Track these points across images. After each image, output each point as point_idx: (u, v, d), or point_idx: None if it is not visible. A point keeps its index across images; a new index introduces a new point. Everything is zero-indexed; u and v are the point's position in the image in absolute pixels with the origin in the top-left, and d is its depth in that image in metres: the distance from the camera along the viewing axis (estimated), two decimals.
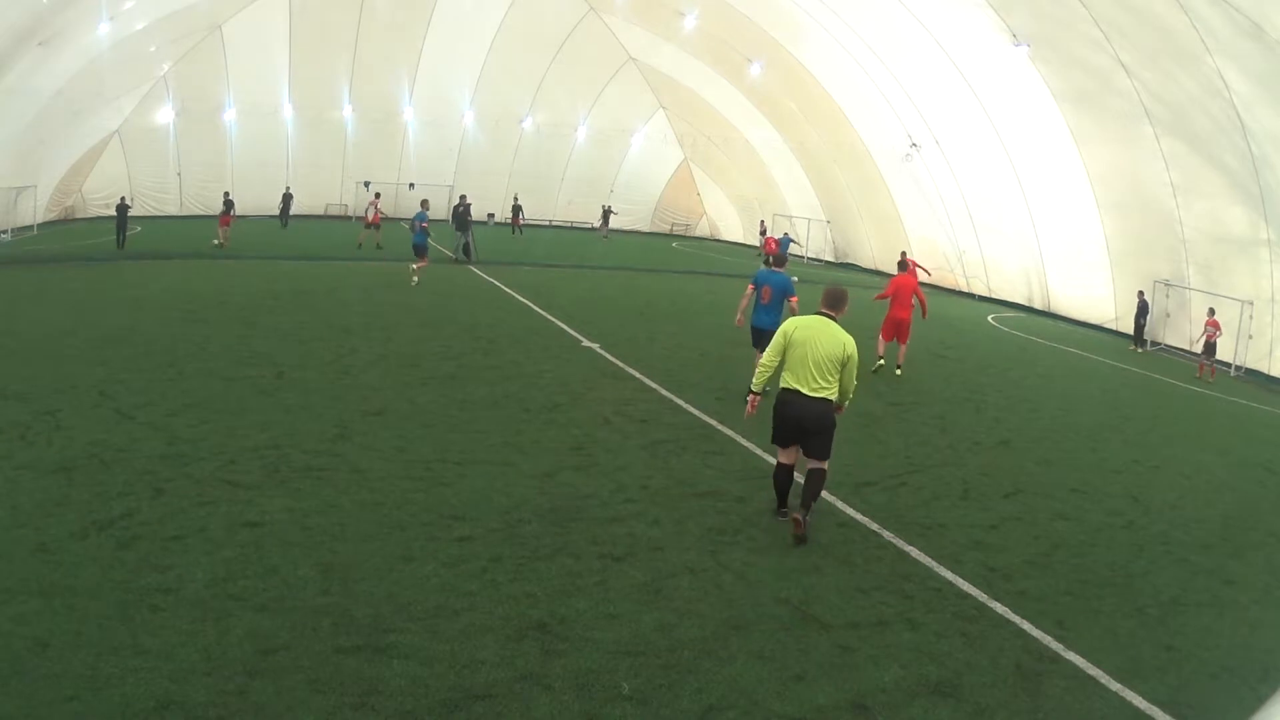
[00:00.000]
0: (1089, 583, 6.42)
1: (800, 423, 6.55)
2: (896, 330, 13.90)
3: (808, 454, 6.64)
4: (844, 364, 6.56)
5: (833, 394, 6.56)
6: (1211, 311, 19.31)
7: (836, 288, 6.98)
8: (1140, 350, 21.46)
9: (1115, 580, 6.54)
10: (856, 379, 6.76)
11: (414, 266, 19.48)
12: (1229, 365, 19.73)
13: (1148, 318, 21.62)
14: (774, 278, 10.77)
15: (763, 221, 39.87)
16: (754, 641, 5.06)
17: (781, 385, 6.68)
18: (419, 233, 20.16)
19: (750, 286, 10.96)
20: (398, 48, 35.52)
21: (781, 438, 6.72)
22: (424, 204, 21.53)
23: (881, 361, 13.91)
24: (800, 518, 6.53)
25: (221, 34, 32.02)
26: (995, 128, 24.50)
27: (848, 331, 6.67)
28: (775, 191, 39.15)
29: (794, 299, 10.52)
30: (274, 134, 36.61)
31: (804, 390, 6.51)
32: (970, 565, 6.49)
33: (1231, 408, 15.27)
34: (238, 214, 27.09)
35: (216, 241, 25.46)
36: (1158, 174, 20.07)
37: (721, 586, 5.75)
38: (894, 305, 13.88)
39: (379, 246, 27.34)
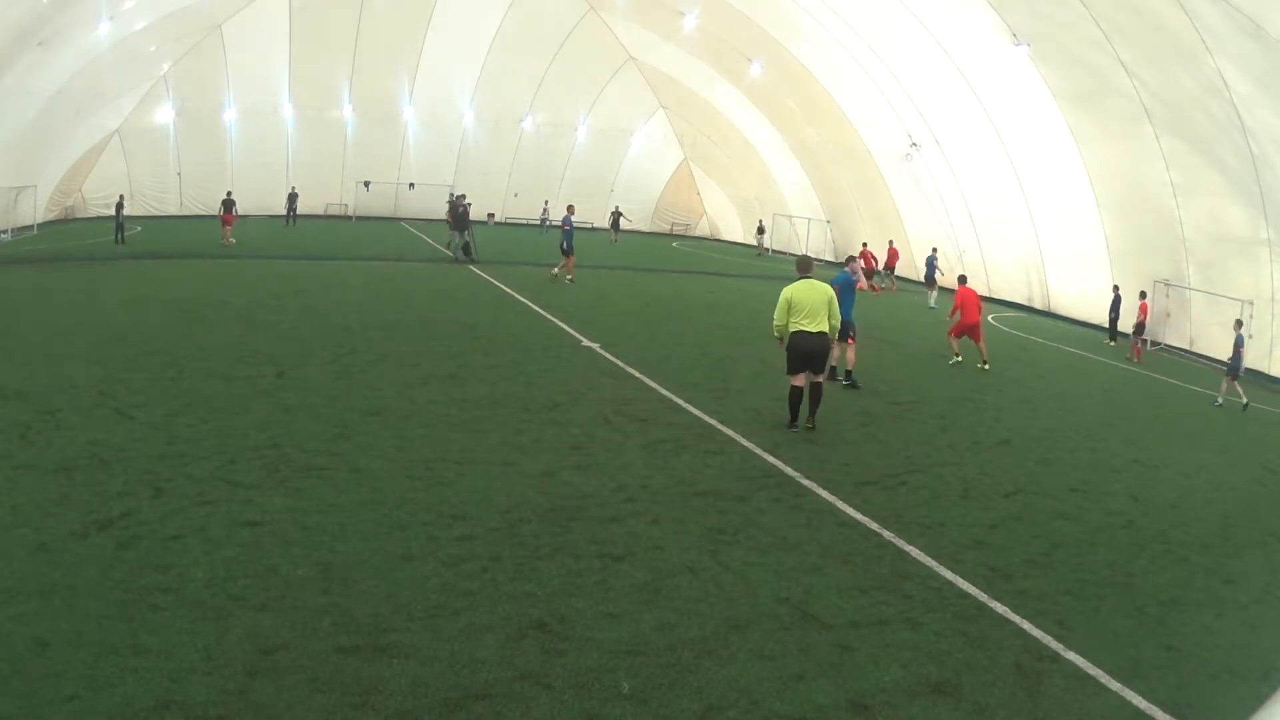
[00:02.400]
0: (1089, 582, 6.42)
1: (810, 350, 9.47)
2: (969, 332, 15.71)
3: (815, 371, 9.68)
4: (828, 303, 9.58)
5: (825, 327, 9.54)
6: (1143, 294, 20.52)
7: (805, 258, 10.45)
8: (1114, 344, 21.60)
9: (1115, 580, 6.53)
10: (838, 317, 9.84)
11: (562, 265, 22.13)
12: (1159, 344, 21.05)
13: (1120, 312, 21.96)
14: (839, 277, 12.42)
15: (761, 221, 39.88)
16: (754, 641, 5.06)
17: (792, 330, 9.52)
18: (565, 234, 22.21)
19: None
20: (398, 47, 35.54)
21: (795, 366, 9.60)
22: (570, 209, 23.42)
23: (959, 358, 15.68)
24: (810, 425, 9.85)
25: (221, 34, 32.03)
26: (995, 127, 24.48)
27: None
28: (775, 191, 39.14)
29: (859, 285, 12.86)
30: (274, 134, 36.63)
31: (810, 329, 9.45)
32: (970, 565, 6.49)
33: (1231, 407, 15.26)
34: (239, 214, 27.25)
35: (232, 240, 25.99)
36: (1158, 173, 20.05)
37: (721, 586, 5.75)
38: (965, 313, 15.72)
39: (449, 246, 27.85)
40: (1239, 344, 15.82)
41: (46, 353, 10.82)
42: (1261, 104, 16.46)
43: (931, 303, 25.54)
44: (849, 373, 12.62)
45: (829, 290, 9.69)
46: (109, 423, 8.16)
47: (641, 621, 5.18)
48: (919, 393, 12.79)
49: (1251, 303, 18.90)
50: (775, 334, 9.84)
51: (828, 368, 10.75)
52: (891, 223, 31.96)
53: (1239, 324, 16.68)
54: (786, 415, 9.91)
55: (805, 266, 10.13)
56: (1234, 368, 15.69)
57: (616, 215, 39.45)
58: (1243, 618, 6.15)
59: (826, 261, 36.88)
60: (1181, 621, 5.94)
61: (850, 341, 12.44)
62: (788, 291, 9.63)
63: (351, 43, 34.78)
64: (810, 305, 9.50)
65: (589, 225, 42.03)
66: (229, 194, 28.52)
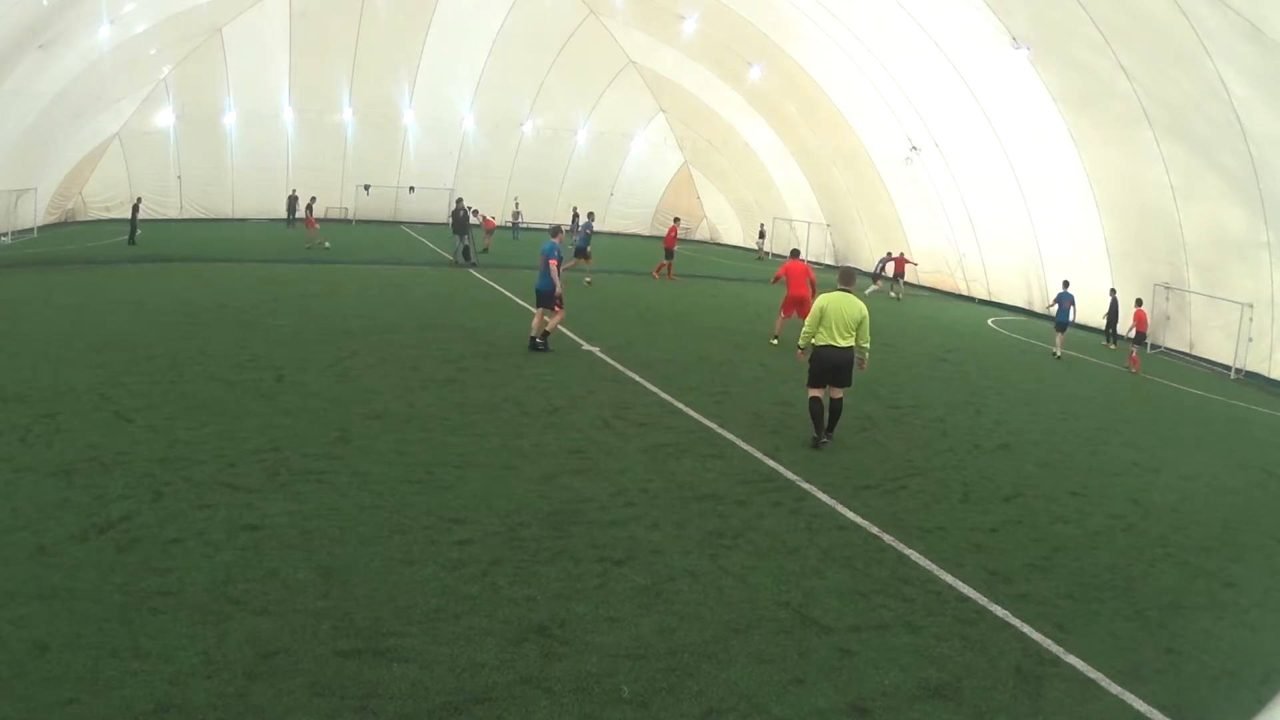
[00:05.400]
0: (1089, 586, 6.42)
1: (835, 363, 9.19)
2: (798, 308, 15.58)
3: (836, 385, 9.35)
4: (860, 322, 9.22)
5: (853, 342, 9.22)
6: (1139, 302, 20.50)
7: (848, 269, 10.07)
8: (1114, 346, 21.74)
9: (1115, 583, 6.53)
10: (870, 338, 9.42)
11: (579, 267, 23.07)
12: (1159, 347, 21.50)
13: (1118, 314, 22.05)
14: (543, 246, 13.56)
15: (762, 225, 39.90)
16: (754, 645, 5.06)
17: (818, 342, 9.23)
18: (582, 238, 23.67)
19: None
20: (398, 51, 35.57)
21: (817, 379, 9.34)
22: (590, 215, 25.36)
23: (776, 340, 15.81)
24: (829, 438, 9.48)
25: (222, 37, 32.05)
26: (995, 130, 24.50)
27: None
28: (775, 194, 39.16)
29: (553, 262, 13.25)
30: (274, 137, 36.65)
31: (837, 343, 9.16)
32: (970, 568, 6.49)
33: (1231, 410, 15.26)
34: (241, 218, 27.66)
35: (309, 244, 27.23)
36: (1157, 176, 20.06)
37: (721, 590, 5.75)
38: (789, 285, 15.95)
39: (485, 250, 28.78)
40: (1065, 300, 19.06)
41: (47, 356, 10.82)
42: (1261, 107, 16.48)
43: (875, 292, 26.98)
44: (545, 335, 13.37)
45: (863, 307, 9.29)
46: (109, 426, 8.16)
47: (641, 625, 5.18)
48: (919, 397, 12.79)
49: (1251, 305, 18.92)
50: (799, 343, 9.54)
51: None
52: (891, 226, 31.97)
53: (1065, 284, 19.89)
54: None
55: (847, 279, 9.67)
56: (1061, 323, 18.98)
57: (576, 217, 37.53)
58: (1243, 621, 6.14)
59: (827, 265, 36.99)
60: (1182, 625, 5.94)
61: (557, 310, 13.29)
62: (822, 300, 9.34)
63: (352, 46, 34.81)
64: (842, 319, 9.14)
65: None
66: (313, 198, 31.08)
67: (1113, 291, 22.06)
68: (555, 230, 14.11)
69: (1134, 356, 18.93)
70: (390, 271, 22.80)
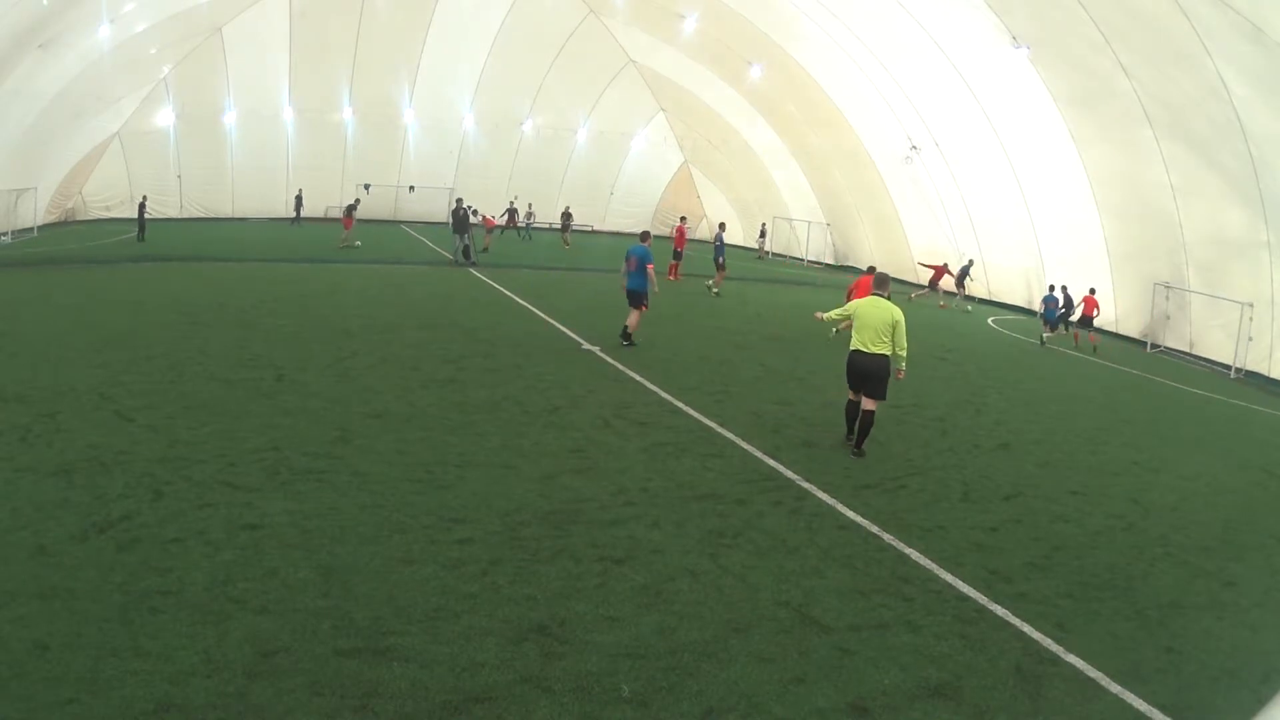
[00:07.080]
0: (1089, 585, 6.42)
1: (864, 370, 9.02)
2: None
3: (867, 395, 9.08)
4: (893, 328, 8.99)
5: (887, 350, 9.00)
6: (1092, 290, 21.97)
7: (883, 275, 9.90)
8: (1061, 335, 22.18)
9: (1115, 582, 6.53)
10: (906, 342, 9.17)
11: (715, 279, 23.98)
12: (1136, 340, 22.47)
13: (1071, 309, 22.40)
14: (636, 250, 14.05)
15: (763, 224, 39.90)
16: (754, 644, 5.06)
17: (851, 347, 9.16)
18: (717, 250, 24.44)
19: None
20: (398, 50, 35.56)
21: (849, 383, 9.30)
22: (722, 225, 26.03)
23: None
24: (857, 451, 9.18)
25: (222, 36, 32.04)
26: (995, 130, 24.50)
27: None
28: (775, 194, 39.16)
29: (650, 265, 13.90)
30: (274, 137, 36.65)
31: (866, 349, 9.01)
32: (970, 567, 6.49)
33: (1231, 410, 15.26)
34: (241, 217, 27.61)
35: (343, 243, 27.59)
36: (1158, 176, 20.07)
37: (721, 589, 5.75)
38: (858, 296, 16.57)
39: (485, 250, 28.92)
40: (1051, 301, 21.34)
41: (47, 356, 10.82)
42: (1261, 107, 16.49)
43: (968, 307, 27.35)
44: (629, 334, 14.18)
45: (896, 313, 9.08)
46: (109, 426, 8.16)
47: (641, 625, 5.18)
48: (919, 396, 12.78)
49: (1251, 305, 18.93)
50: (831, 317, 10.07)
51: (880, 392, 9.15)
52: (892, 226, 31.96)
53: (1051, 287, 22.16)
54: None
55: (881, 284, 9.52)
56: (1048, 319, 21.23)
57: (567, 216, 37.25)
58: (1243, 620, 6.15)
59: (825, 265, 36.98)
60: (1182, 624, 5.94)
61: (643, 309, 14.11)
62: (854, 305, 9.47)
63: (352, 46, 34.80)
64: (872, 324, 9.00)
65: (549, 225, 41.26)
66: (356, 200, 31.53)
67: (1064, 288, 22.40)
68: (645, 235, 14.83)
69: (1091, 336, 21.02)
70: (390, 271, 22.79)
